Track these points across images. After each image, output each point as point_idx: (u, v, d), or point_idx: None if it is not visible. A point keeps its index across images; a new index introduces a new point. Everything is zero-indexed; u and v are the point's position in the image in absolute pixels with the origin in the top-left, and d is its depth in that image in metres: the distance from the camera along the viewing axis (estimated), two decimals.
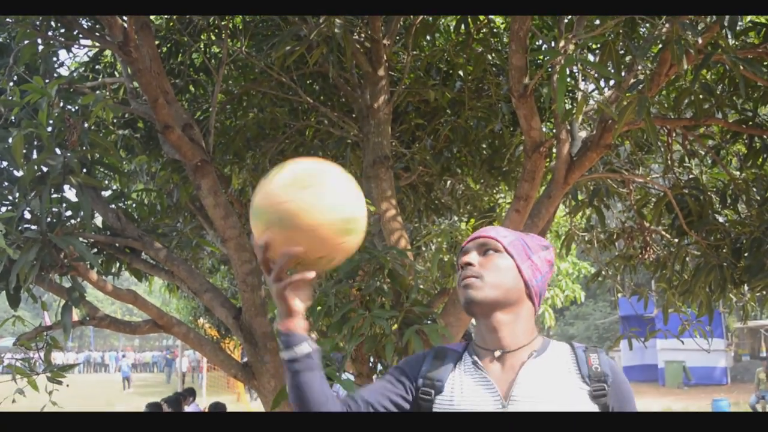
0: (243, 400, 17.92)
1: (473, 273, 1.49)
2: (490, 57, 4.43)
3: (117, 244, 4.20)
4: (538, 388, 1.42)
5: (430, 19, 4.28)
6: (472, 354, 1.52)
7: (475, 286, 1.47)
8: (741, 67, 2.91)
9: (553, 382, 1.44)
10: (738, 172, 4.33)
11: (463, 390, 1.47)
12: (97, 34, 4.02)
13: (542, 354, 1.49)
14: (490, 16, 4.54)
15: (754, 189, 4.09)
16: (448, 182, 5.45)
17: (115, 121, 4.80)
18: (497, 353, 1.48)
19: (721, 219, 4.28)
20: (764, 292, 4.41)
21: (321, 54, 3.69)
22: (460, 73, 4.57)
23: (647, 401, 16.58)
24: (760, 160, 4.08)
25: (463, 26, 4.28)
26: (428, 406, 1.49)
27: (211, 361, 4.50)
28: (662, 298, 4.90)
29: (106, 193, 4.55)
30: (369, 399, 1.52)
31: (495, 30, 4.73)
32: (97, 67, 5.12)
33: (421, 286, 4.00)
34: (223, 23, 4.41)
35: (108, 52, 5.09)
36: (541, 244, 1.58)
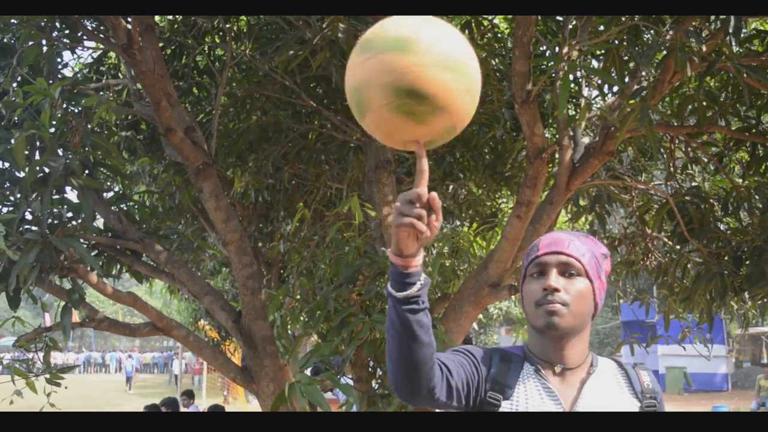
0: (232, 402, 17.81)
1: (561, 300, 1.47)
2: (493, 62, 4.43)
3: (118, 246, 4.20)
4: (600, 403, 1.48)
5: None
6: (533, 363, 1.53)
7: (561, 314, 1.47)
8: (745, 75, 2.91)
9: (611, 397, 1.50)
10: (741, 180, 4.32)
11: (528, 399, 1.49)
12: (101, 35, 4.03)
13: (597, 370, 1.54)
14: (494, 21, 4.54)
15: (756, 197, 4.08)
16: (450, 187, 5.44)
17: (117, 122, 4.80)
18: (558, 368, 1.51)
19: (722, 227, 4.27)
20: (765, 300, 4.39)
21: (324, 57, 3.69)
22: None
23: None
24: (763, 167, 4.07)
25: (466, 31, 4.27)
26: (492, 411, 1.49)
27: (210, 365, 4.50)
28: (663, 305, 4.89)
29: (108, 195, 4.55)
30: (453, 372, 1.46)
31: (499, 35, 4.72)
32: (100, 68, 5.13)
33: None
34: (227, 26, 4.41)
35: (112, 54, 5.09)
36: (602, 252, 1.58)
